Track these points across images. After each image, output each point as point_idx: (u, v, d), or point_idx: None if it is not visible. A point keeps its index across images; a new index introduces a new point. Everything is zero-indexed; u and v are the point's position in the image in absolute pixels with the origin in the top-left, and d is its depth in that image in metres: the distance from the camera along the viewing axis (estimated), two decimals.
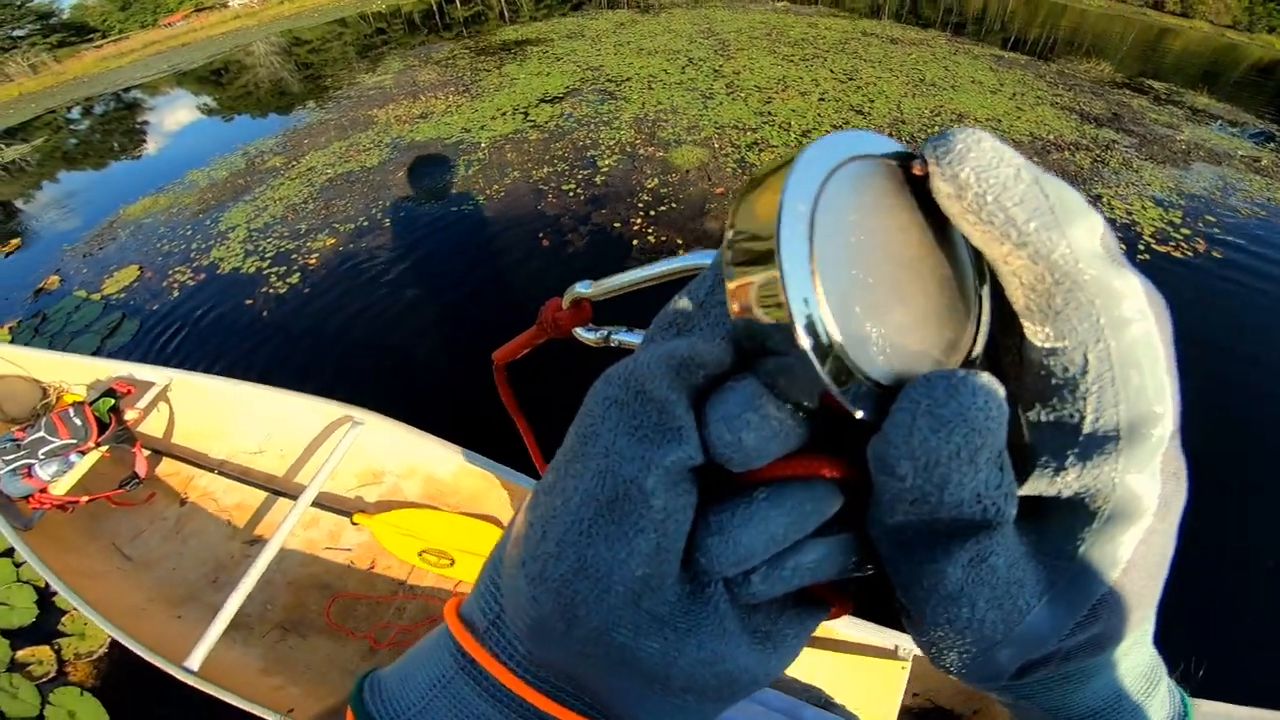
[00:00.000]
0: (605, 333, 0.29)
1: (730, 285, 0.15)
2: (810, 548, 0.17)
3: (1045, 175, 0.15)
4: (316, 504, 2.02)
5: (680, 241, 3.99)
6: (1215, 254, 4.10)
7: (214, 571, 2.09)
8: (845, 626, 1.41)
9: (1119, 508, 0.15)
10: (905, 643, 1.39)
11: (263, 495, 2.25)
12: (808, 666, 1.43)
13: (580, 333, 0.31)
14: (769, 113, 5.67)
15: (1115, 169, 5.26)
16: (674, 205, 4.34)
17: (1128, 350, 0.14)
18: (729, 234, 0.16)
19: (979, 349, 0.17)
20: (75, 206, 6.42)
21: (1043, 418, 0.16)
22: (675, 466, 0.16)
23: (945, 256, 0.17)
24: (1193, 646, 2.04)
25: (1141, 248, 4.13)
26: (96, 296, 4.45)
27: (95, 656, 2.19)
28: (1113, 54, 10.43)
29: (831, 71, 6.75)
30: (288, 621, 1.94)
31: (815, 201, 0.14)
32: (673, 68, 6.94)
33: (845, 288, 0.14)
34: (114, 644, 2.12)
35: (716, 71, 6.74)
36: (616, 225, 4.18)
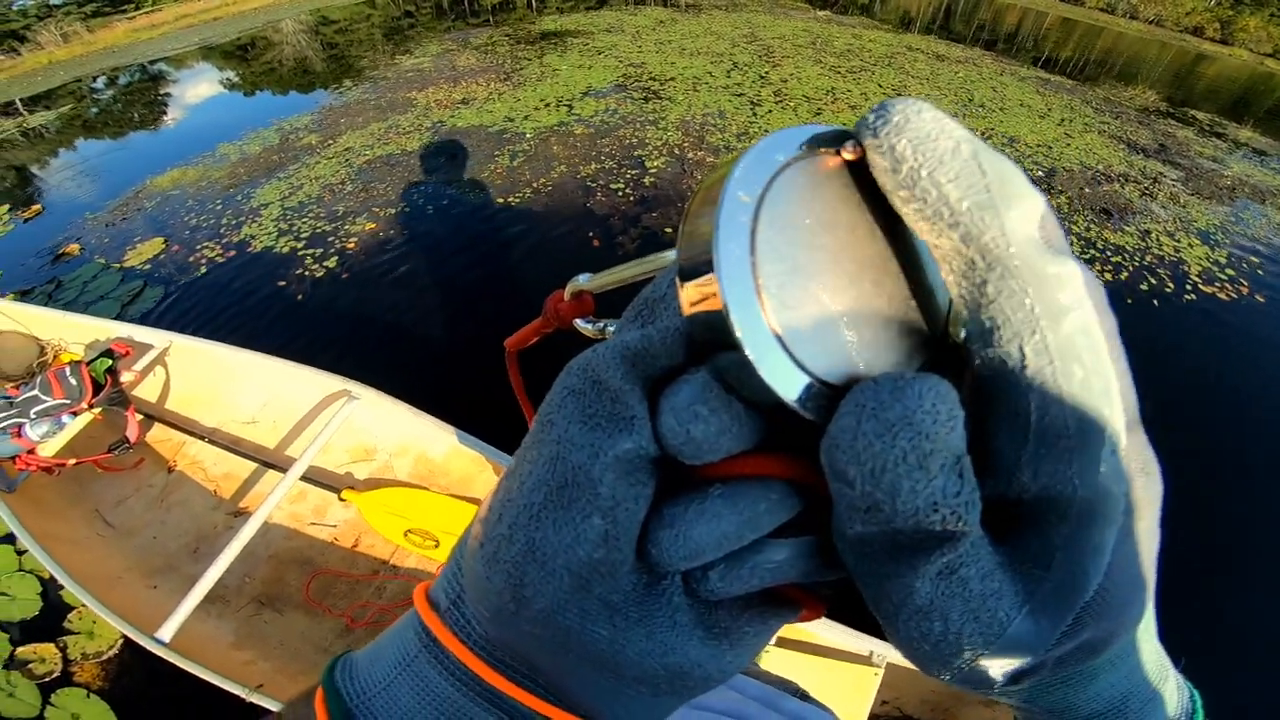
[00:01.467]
0: (602, 325, 0.28)
1: (679, 283, 0.15)
2: (773, 548, 0.16)
3: (988, 150, 0.14)
4: (305, 478, 1.94)
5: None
6: (1259, 298, 3.91)
7: (195, 542, 1.99)
8: (820, 629, 1.36)
9: (1086, 510, 0.14)
10: (880, 648, 1.34)
11: (252, 466, 2.14)
12: (780, 662, 1.41)
13: (580, 324, 0.29)
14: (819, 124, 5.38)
15: (1163, 203, 5.00)
16: None
17: (1066, 342, 0.13)
18: (680, 231, 0.15)
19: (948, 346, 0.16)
20: (100, 175, 6.09)
21: (992, 418, 0.14)
22: (626, 456, 0.15)
23: (904, 252, 0.16)
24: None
25: (1188, 287, 3.90)
26: (116, 266, 4.15)
27: (105, 657, 1.98)
28: (1147, 77, 10.16)
29: (880, 86, 6.46)
30: (265, 596, 1.87)
31: (759, 200, 0.14)
32: (718, 70, 6.63)
33: (788, 287, 0.14)
34: (126, 644, 1.96)
35: (763, 78, 6.43)
36: (668, 230, 3.89)
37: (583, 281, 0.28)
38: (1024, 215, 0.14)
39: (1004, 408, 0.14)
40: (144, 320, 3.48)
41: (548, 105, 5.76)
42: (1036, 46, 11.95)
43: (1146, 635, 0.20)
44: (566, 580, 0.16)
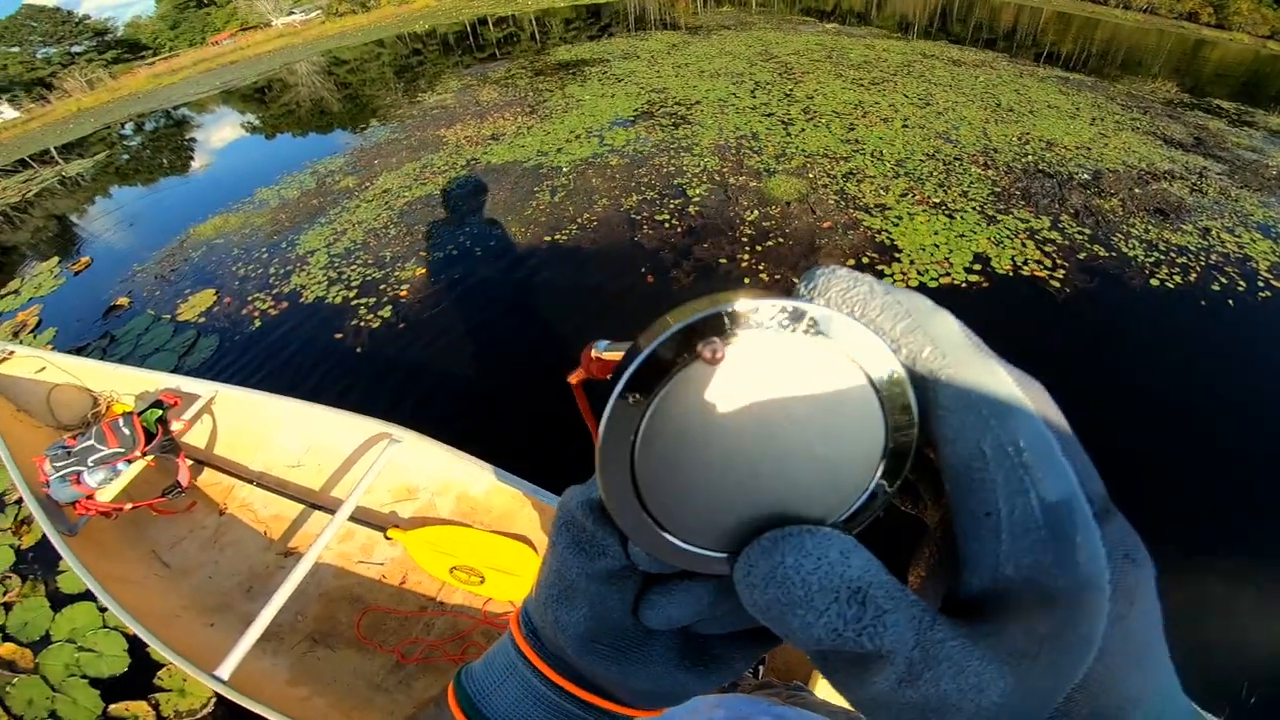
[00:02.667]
0: None
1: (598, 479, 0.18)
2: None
3: (895, 287, 0.16)
4: (352, 518, 1.96)
5: (795, 280, 3.51)
6: None
7: (248, 581, 2.03)
8: None
9: (1068, 598, 0.14)
10: None
11: (299, 508, 2.18)
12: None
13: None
14: (856, 140, 5.21)
15: (1214, 199, 4.76)
16: (780, 240, 3.88)
17: (1014, 437, 0.14)
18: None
19: (863, 499, 0.17)
20: (142, 224, 6.05)
21: (966, 520, 0.16)
22: (601, 572, 0.22)
23: (782, 435, 0.16)
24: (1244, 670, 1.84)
25: (1260, 284, 3.65)
26: (167, 318, 4.07)
27: (197, 716, 1.95)
28: (1153, 67, 9.90)
29: (906, 96, 6.28)
30: (317, 633, 1.89)
31: (638, 429, 0.16)
32: (741, 91, 6.49)
33: (671, 507, 0.17)
34: (219, 702, 1.97)
35: (788, 96, 6.28)
36: (722, 261, 3.73)
37: (602, 349, 0.29)
38: (945, 327, 0.16)
39: (974, 508, 0.15)
40: (202, 371, 3.38)
41: (578, 137, 5.64)
42: (1036, 42, 11.73)
43: (1169, 699, 0.18)
44: (576, 642, 0.24)
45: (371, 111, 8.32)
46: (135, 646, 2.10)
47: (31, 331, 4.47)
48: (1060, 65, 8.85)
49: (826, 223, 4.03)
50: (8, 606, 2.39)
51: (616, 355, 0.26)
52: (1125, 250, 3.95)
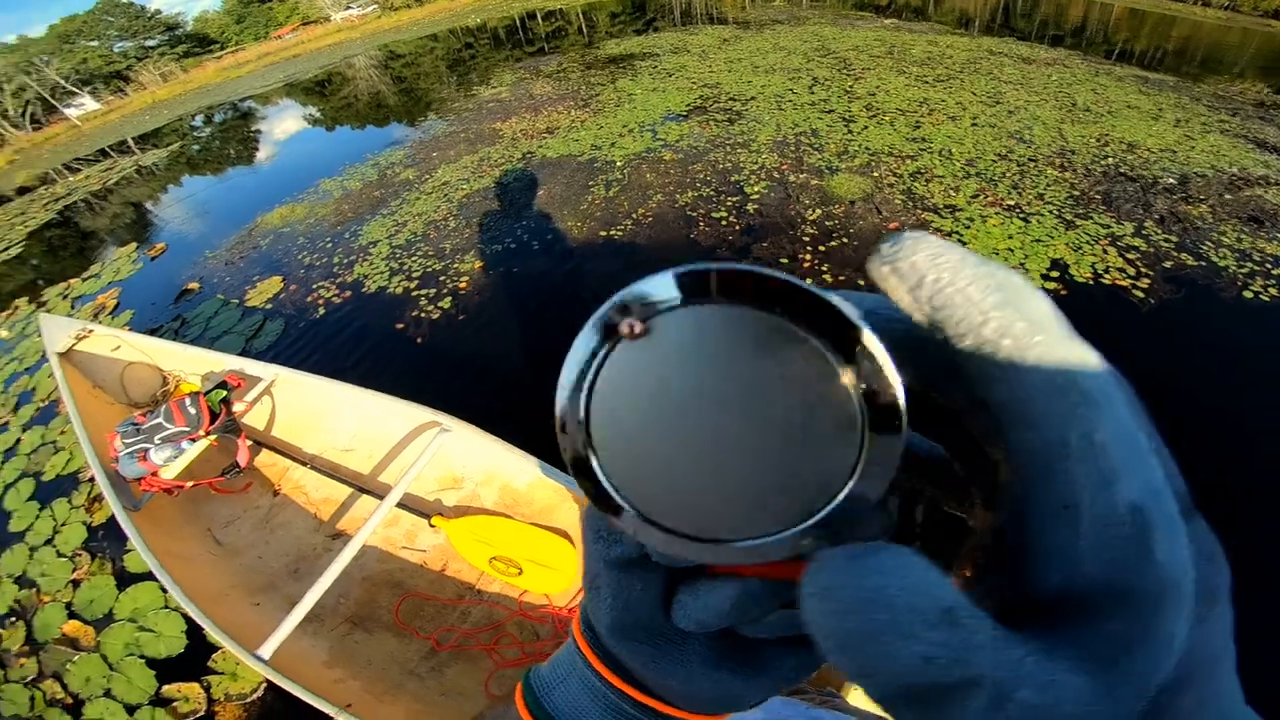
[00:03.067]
0: None
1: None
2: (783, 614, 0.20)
3: (987, 260, 0.15)
4: (399, 504, 1.96)
5: (861, 283, 3.39)
6: None
7: (295, 562, 2.04)
8: None
9: (1149, 599, 0.14)
10: None
11: (349, 491, 2.18)
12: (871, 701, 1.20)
13: None
14: (922, 139, 4.97)
15: None
16: (844, 240, 3.73)
17: (1103, 429, 0.14)
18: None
19: (846, 493, 0.16)
20: (212, 212, 6.28)
21: (1041, 515, 0.15)
22: (618, 558, 0.21)
23: (766, 414, 0.15)
24: None
25: None
26: (235, 302, 4.20)
27: (247, 700, 1.96)
28: (1236, 66, 9.18)
29: (974, 94, 5.97)
30: (357, 616, 1.90)
31: (584, 421, 0.16)
32: (798, 87, 6.29)
33: (641, 484, 0.16)
34: (268, 688, 1.97)
35: (848, 92, 6.05)
36: (783, 260, 3.61)
37: None
38: (1040, 307, 0.14)
39: (1052, 500, 0.14)
40: (267, 355, 3.47)
41: (631, 131, 5.57)
42: (1107, 40, 11.03)
43: (1235, 705, 0.18)
44: (608, 633, 0.23)
45: (427, 104, 8.44)
46: (193, 628, 2.10)
47: (110, 313, 4.69)
48: (1136, 63, 8.30)
49: (893, 223, 3.85)
50: (76, 584, 2.45)
51: None
52: (1215, 260, 3.66)
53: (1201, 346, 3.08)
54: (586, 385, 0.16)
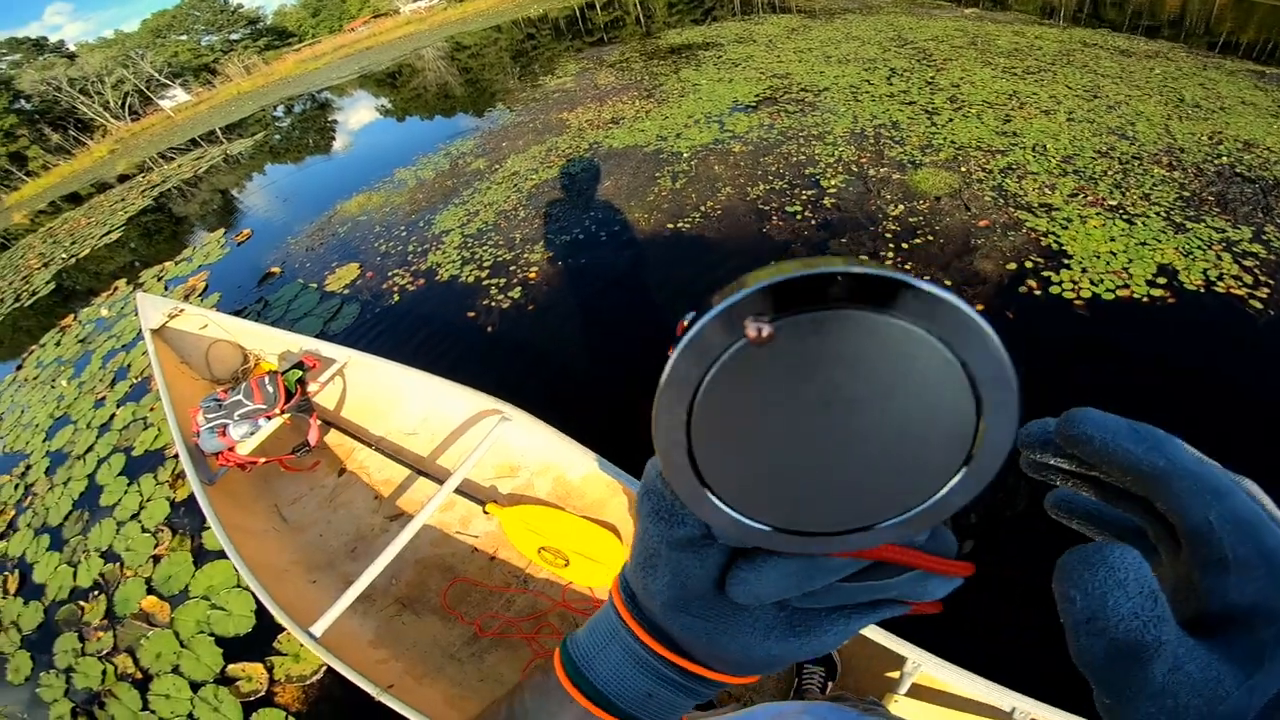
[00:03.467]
0: None
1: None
2: (853, 589, 0.22)
3: (1136, 423, 0.23)
4: (457, 490, 1.97)
5: (949, 282, 3.18)
6: None
7: (354, 542, 2.07)
8: (960, 680, 1.29)
9: None
10: (1023, 705, 1.25)
11: (409, 474, 2.21)
12: (915, 713, 1.34)
13: None
14: (1013, 133, 4.64)
15: None
16: (929, 237, 3.52)
17: (1233, 513, 0.21)
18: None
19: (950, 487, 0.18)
20: (293, 200, 6.57)
21: (1201, 563, 0.21)
22: (681, 539, 0.23)
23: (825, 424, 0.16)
24: None
25: None
26: (314, 286, 4.35)
27: (307, 682, 1.97)
28: None
29: (1069, 87, 5.54)
30: (406, 598, 1.92)
31: (690, 417, 0.16)
32: (875, 78, 6.00)
33: (739, 485, 0.18)
34: (327, 671, 1.99)
35: (930, 84, 5.72)
36: (863, 257, 3.42)
37: (687, 320, 0.25)
38: (1175, 448, 0.22)
39: (1208, 556, 0.21)
40: (343, 338, 3.57)
41: (697, 122, 5.45)
42: (1209, 31, 10.03)
43: None
44: (663, 609, 0.25)
45: (491, 95, 8.55)
46: (260, 607, 2.11)
47: (199, 295, 4.97)
48: (1246, 57, 7.50)
49: (983, 221, 3.61)
50: (157, 559, 2.51)
51: None
52: None
53: None
54: (700, 381, 0.15)
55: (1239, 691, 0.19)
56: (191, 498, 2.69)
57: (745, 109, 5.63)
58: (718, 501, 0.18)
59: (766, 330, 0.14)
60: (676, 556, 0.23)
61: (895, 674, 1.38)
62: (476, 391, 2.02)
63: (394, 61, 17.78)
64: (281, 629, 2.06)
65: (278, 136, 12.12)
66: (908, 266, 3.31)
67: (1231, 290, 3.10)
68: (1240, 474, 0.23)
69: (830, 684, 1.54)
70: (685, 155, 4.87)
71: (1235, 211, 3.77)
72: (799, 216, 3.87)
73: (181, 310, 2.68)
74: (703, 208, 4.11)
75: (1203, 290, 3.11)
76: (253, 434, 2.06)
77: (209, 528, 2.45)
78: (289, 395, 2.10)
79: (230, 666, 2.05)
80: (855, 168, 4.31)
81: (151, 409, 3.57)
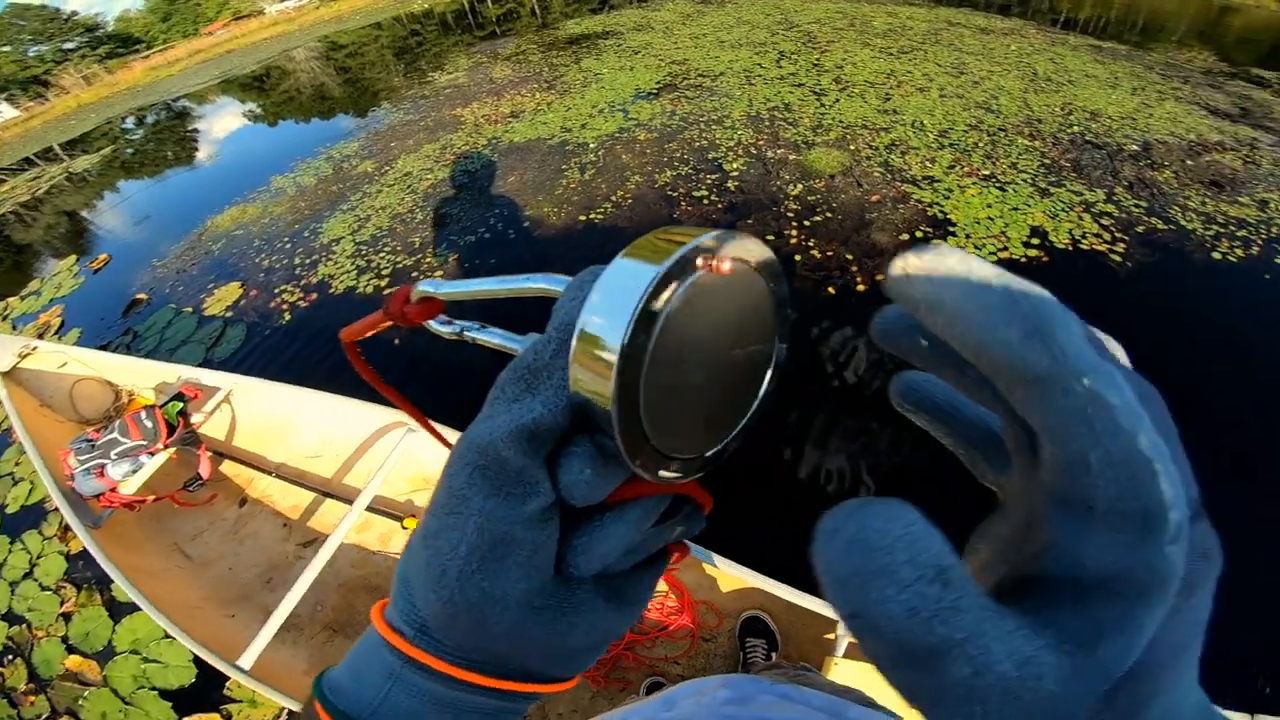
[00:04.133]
0: (459, 327, 0.28)
1: (573, 374, 0.17)
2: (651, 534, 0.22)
3: (1017, 280, 0.15)
4: (370, 508, 1.97)
5: (850, 257, 3.33)
6: None
7: (268, 572, 2.03)
8: None
9: (1139, 592, 0.15)
10: None
11: (318, 498, 2.18)
12: (852, 674, 1.37)
13: (433, 325, 0.29)
14: (894, 110, 4.93)
15: (1269, 170, 4.49)
16: (828, 215, 3.66)
17: (1125, 450, 0.14)
18: (579, 328, 0.17)
19: (738, 432, 0.21)
20: (159, 219, 5.83)
21: (1056, 508, 0.15)
22: (536, 513, 0.19)
23: (739, 358, 0.19)
24: (1262, 659, 1.80)
25: None
26: (189, 310, 3.90)
27: None
28: (1172, 33, 9.49)
29: (939, 65, 5.97)
30: (336, 623, 1.89)
31: (654, 330, 0.16)
32: (766, 61, 6.18)
33: (657, 401, 0.17)
34: (291, 716, 1.92)
35: (816, 66, 5.97)
36: (770, 238, 3.51)
37: (429, 288, 0.27)
38: (1067, 336, 0.14)
39: (1072, 502, 0.15)
40: (234, 365, 3.22)
41: (601, 112, 5.37)
42: (1052, 8, 11.25)
43: (1187, 692, 0.19)
44: (517, 611, 0.20)
45: (376, 94, 8.01)
46: (200, 658, 2.00)
47: (55, 333, 4.31)
48: (1085, 32, 8.47)
49: (875, 196, 3.80)
50: (67, 617, 2.31)
51: (460, 294, 0.26)
52: (1184, 223, 3.74)
53: (1177, 307, 3.14)
54: (653, 316, 0.16)
55: (1066, 687, 0.15)
56: (86, 550, 2.47)
57: (648, 96, 5.62)
58: (652, 444, 0.17)
59: (725, 265, 0.17)
60: (533, 537, 0.20)
61: (831, 636, 1.44)
62: (378, 405, 1.97)
63: (260, 64, 16.31)
64: (228, 676, 1.97)
65: (130, 150, 10.75)
66: (810, 243, 3.42)
67: (1095, 247, 3.46)
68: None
69: (773, 654, 1.57)
70: (592, 146, 4.78)
71: (1089, 176, 4.21)
72: (706, 201, 3.90)
73: (34, 348, 2.46)
74: (613, 197, 4.05)
75: (1071, 249, 3.45)
76: (135, 472, 1.97)
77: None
78: (171, 429, 2.01)
79: None
80: (754, 150, 4.41)
81: (17, 463, 3.12)
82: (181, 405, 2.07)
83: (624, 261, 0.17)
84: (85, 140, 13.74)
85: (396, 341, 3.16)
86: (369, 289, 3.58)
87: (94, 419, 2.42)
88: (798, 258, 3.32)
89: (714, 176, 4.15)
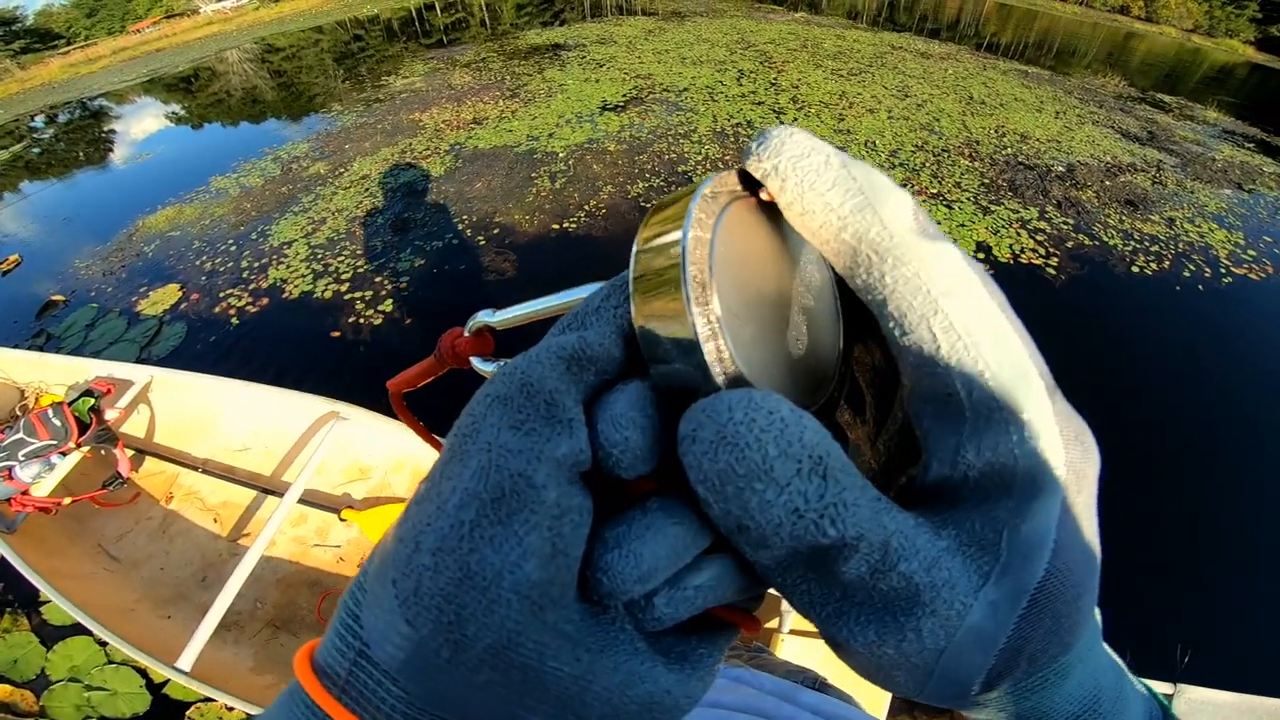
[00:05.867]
0: (502, 364, 0.23)
1: (636, 298, 0.15)
2: (707, 565, 0.15)
3: (852, 160, 0.15)
4: (304, 501, 1.94)
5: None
6: None
7: (202, 570, 1.97)
8: None
9: (1027, 480, 0.14)
10: None
11: (249, 493, 2.11)
12: (801, 652, 1.36)
13: (477, 364, 0.26)
14: (848, 130, 5.15)
15: (1173, 191, 4.99)
16: None
17: (967, 315, 0.14)
18: (636, 250, 0.15)
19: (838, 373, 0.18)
20: (80, 219, 5.32)
21: (927, 408, 0.15)
22: (566, 460, 0.14)
23: (814, 282, 0.17)
24: (1180, 632, 1.91)
25: (1222, 270, 3.90)
26: (116, 311, 3.59)
27: None
28: (1084, 58, 10.43)
29: (885, 88, 6.30)
30: (278, 619, 1.85)
31: (713, 234, 0.14)
32: (727, 79, 6.34)
33: (737, 316, 0.14)
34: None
35: (774, 85, 6.17)
36: None
37: (486, 318, 0.25)
38: (897, 208, 0.14)
39: (934, 394, 0.14)
40: (171, 363, 2.95)
41: (568, 122, 5.34)
42: (978, 33, 12.17)
43: (1097, 632, 0.18)
44: (515, 606, 0.13)
45: (323, 97, 7.68)
46: (153, 683, 1.89)
47: None
48: (1006, 55, 9.17)
49: None
50: None
51: (516, 318, 0.23)
52: (1106, 239, 4.08)
53: (1104, 313, 3.41)
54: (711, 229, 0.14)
55: (977, 604, 0.13)
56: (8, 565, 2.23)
57: (614, 109, 5.63)
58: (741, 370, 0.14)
59: (768, 195, 0.15)
60: (557, 492, 0.13)
61: (774, 620, 1.46)
62: (306, 395, 1.92)
63: (192, 64, 15.39)
64: (190, 701, 1.85)
65: (36, 150, 9.84)
66: None
67: (1032, 261, 3.71)
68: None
69: None
70: (561, 155, 4.73)
71: (1023, 194, 4.53)
72: None
73: None
74: (586, 207, 4.01)
75: (1012, 262, 3.69)
76: (47, 473, 1.87)
77: (48, 601, 2.12)
78: (83, 427, 1.90)
79: None
80: (723, 164, 4.49)
81: None
82: (93, 401, 1.96)
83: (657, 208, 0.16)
84: None
85: (363, 349, 2.99)
86: (328, 294, 3.38)
87: None
88: None
89: (685, 189, 4.19)
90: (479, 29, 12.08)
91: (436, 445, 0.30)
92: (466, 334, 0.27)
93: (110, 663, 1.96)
